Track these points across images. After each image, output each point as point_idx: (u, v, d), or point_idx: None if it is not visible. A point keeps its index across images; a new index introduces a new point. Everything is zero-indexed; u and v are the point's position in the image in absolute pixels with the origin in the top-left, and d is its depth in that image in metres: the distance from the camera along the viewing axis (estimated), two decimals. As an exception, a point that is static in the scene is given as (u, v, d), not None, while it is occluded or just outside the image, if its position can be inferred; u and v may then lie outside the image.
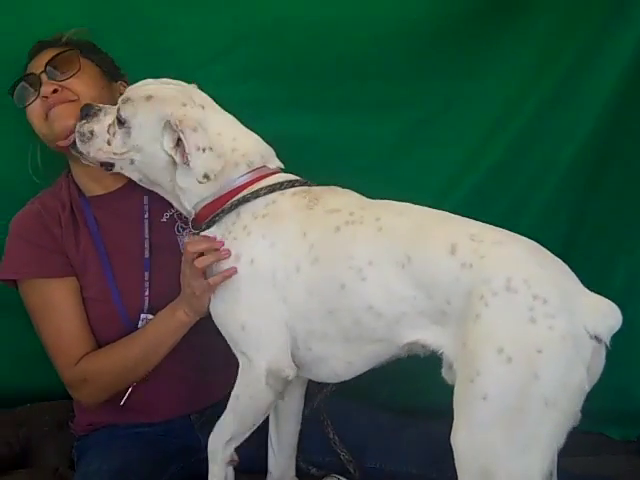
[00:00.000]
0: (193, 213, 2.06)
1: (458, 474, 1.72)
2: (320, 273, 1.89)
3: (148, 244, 2.29)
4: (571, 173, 2.61)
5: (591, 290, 1.74)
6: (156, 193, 2.13)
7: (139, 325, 2.25)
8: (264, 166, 2.05)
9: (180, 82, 2.08)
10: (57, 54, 2.25)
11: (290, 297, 1.91)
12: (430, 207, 1.93)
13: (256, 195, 1.98)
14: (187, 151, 1.93)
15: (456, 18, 2.49)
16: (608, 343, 1.69)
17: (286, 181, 2.03)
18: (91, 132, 2.06)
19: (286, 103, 2.54)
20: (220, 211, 2.00)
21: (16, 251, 2.27)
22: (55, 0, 2.43)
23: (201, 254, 2.00)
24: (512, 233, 1.82)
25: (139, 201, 2.26)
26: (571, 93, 2.54)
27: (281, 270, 1.91)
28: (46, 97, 2.22)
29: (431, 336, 1.81)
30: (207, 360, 2.28)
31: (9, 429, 2.58)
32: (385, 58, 2.52)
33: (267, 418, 2.20)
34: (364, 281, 1.84)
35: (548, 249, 1.80)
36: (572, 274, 1.77)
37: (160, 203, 2.19)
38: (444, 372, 1.81)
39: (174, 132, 1.96)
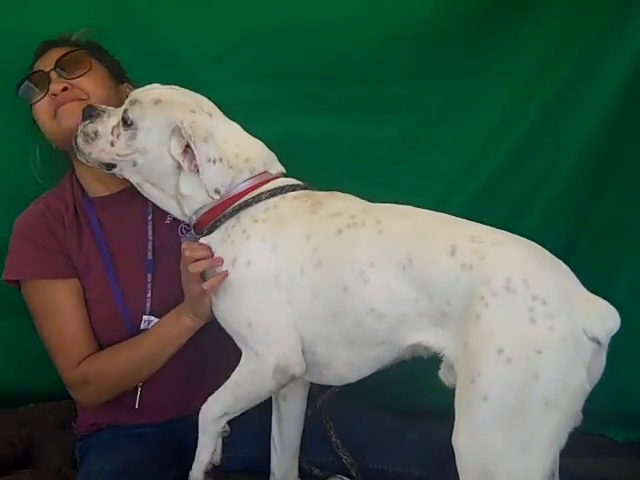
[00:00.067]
0: (194, 219, 2.07)
1: (459, 475, 1.72)
2: (323, 276, 1.89)
3: (151, 246, 2.30)
4: (574, 175, 2.61)
5: (594, 292, 1.74)
6: None
7: (141, 326, 2.25)
8: (266, 172, 2.06)
9: (186, 90, 2.09)
10: (68, 52, 2.26)
11: (296, 300, 1.92)
12: (432, 210, 1.94)
13: (257, 199, 2.00)
14: (198, 162, 1.94)
15: (460, 20, 2.49)
16: (606, 345, 1.69)
17: (287, 185, 2.04)
18: (95, 133, 2.06)
19: (289, 104, 2.54)
20: (222, 216, 2.01)
21: (19, 252, 2.28)
22: (59, 1, 2.43)
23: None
24: (513, 235, 1.82)
25: (143, 203, 2.25)
26: (574, 96, 2.54)
27: (285, 273, 1.92)
28: (55, 95, 2.22)
29: (433, 337, 1.81)
30: (209, 361, 2.28)
31: (12, 429, 2.58)
32: (388, 60, 2.52)
33: (270, 418, 2.22)
34: (366, 283, 1.84)
35: (551, 251, 1.80)
36: (572, 275, 1.77)
37: (163, 205, 2.20)
38: (441, 373, 1.82)
39: (182, 138, 1.97)
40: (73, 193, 2.34)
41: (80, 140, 2.09)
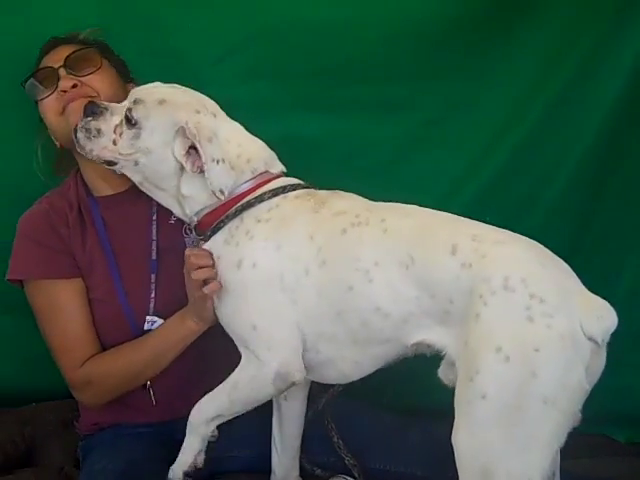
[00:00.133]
0: (195, 220, 2.07)
1: (459, 473, 1.72)
2: (328, 276, 1.89)
3: (155, 246, 2.30)
4: (576, 176, 2.61)
5: (596, 292, 1.73)
6: None
7: (145, 327, 2.25)
8: (267, 171, 2.06)
9: (188, 89, 2.08)
10: (77, 50, 2.26)
11: (300, 300, 1.92)
12: (435, 209, 1.94)
13: (260, 200, 1.99)
14: (203, 161, 1.94)
15: (462, 20, 2.49)
16: (605, 345, 1.69)
17: (289, 185, 2.04)
18: (98, 130, 2.04)
19: (291, 104, 2.55)
20: (224, 217, 2.01)
21: (23, 251, 2.28)
22: (63, 1, 2.44)
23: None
24: (514, 234, 1.82)
25: (147, 202, 2.24)
26: (576, 96, 2.54)
27: (289, 273, 1.92)
28: (65, 91, 2.22)
29: (436, 336, 1.82)
30: (212, 361, 2.27)
31: (14, 428, 2.58)
32: (391, 60, 2.53)
33: (270, 418, 2.22)
34: (371, 282, 1.84)
35: (554, 251, 1.80)
36: (573, 274, 1.77)
37: (168, 205, 2.20)
38: (440, 371, 1.83)
39: (187, 139, 1.96)
40: (77, 192, 2.34)
41: (81, 136, 2.06)
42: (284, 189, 2.02)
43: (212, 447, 2.07)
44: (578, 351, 1.65)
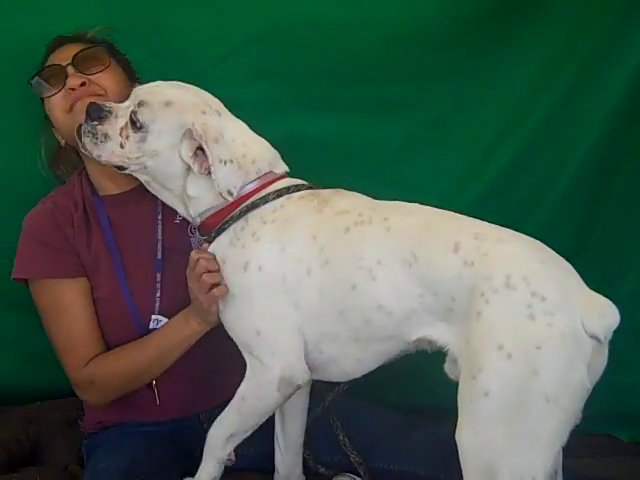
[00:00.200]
0: (198, 220, 2.07)
1: (463, 471, 1.73)
2: (331, 275, 1.90)
3: (161, 245, 2.30)
4: (579, 176, 2.61)
5: (600, 292, 1.74)
6: None
7: (150, 326, 2.25)
8: (271, 172, 2.06)
9: (190, 86, 2.08)
10: (85, 48, 2.26)
11: (302, 301, 1.92)
12: (439, 208, 1.94)
13: (265, 200, 2.00)
14: (210, 163, 1.94)
15: (466, 19, 2.50)
16: (607, 342, 1.69)
17: (293, 185, 2.04)
18: (105, 136, 2.03)
19: (294, 104, 2.55)
20: (229, 218, 2.01)
21: (28, 251, 2.27)
22: (69, 1, 2.45)
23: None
24: (516, 232, 1.83)
25: (153, 202, 2.24)
26: (579, 97, 2.54)
27: (292, 274, 1.92)
28: (73, 89, 2.21)
29: (437, 332, 1.82)
30: (217, 360, 2.29)
31: (19, 426, 2.58)
32: (395, 59, 2.53)
33: (273, 416, 2.21)
34: (374, 281, 1.85)
35: (557, 251, 1.80)
36: (574, 272, 1.77)
37: (174, 204, 2.20)
38: (446, 367, 1.83)
39: (194, 141, 1.96)
40: (82, 191, 2.33)
41: (88, 140, 2.05)
42: (288, 190, 2.02)
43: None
44: (579, 349, 1.65)
